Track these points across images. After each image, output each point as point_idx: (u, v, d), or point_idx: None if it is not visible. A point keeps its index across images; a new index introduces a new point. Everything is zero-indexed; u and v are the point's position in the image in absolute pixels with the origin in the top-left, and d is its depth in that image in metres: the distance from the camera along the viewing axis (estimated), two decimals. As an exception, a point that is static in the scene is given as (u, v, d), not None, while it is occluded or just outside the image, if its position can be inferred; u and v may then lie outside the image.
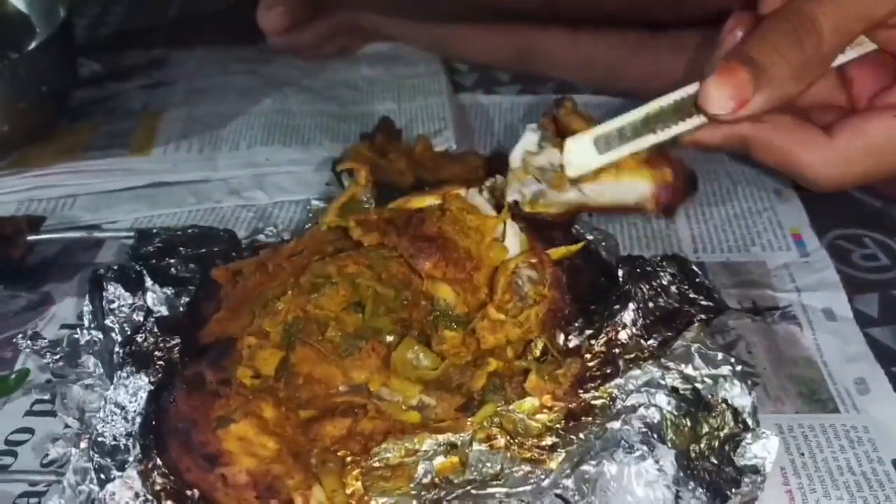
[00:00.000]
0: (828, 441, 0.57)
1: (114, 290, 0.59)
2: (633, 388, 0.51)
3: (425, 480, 0.48)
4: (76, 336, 0.60)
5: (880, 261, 0.73)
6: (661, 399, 0.51)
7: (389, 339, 0.53)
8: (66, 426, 0.58)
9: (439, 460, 0.48)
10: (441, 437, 0.48)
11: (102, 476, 0.50)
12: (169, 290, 0.60)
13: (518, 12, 0.93)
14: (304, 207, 0.82)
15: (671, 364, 0.52)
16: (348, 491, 0.47)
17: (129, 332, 0.57)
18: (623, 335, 0.54)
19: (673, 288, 0.57)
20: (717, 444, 0.49)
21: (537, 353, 0.52)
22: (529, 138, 0.58)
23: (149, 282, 0.60)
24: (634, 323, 0.54)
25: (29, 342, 0.61)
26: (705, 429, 0.50)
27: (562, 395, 0.50)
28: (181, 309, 0.60)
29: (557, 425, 0.50)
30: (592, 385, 0.51)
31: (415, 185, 0.67)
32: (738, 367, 0.52)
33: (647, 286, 0.56)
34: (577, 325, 0.54)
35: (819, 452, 0.57)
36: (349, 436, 0.49)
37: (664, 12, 0.87)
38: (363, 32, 1.08)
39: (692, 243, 0.76)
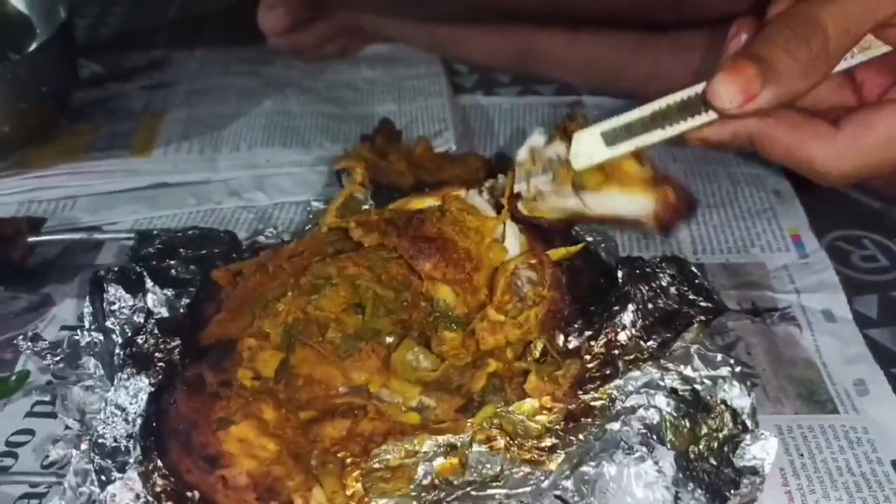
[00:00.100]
0: (827, 442, 0.57)
1: (114, 292, 0.59)
2: (632, 389, 0.51)
3: (425, 482, 0.48)
4: (77, 337, 0.60)
5: (879, 262, 0.73)
6: (661, 400, 0.51)
7: (389, 340, 0.53)
8: (67, 428, 0.58)
9: (439, 461, 0.48)
10: (441, 439, 0.48)
11: (103, 477, 0.50)
12: (169, 292, 0.60)
13: (518, 13, 0.93)
14: (304, 209, 0.82)
15: (670, 365, 0.52)
16: (348, 492, 0.47)
17: (129, 334, 0.57)
18: (622, 336, 0.54)
19: (672, 289, 0.58)
20: (716, 445, 0.49)
21: (537, 354, 0.52)
22: (537, 138, 0.58)
23: (149, 283, 0.60)
24: (634, 324, 0.54)
25: (29, 343, 0.61)
26: (704, 430, 0.50)
27: (561, 397, 0.50)
28: (181, 310, 0.60)
29: (557, 426, 0.50)
30: (592, 386, 0.51)
31: (415, 187, 0.67)
32: (738, 369, 0.52)
33: (647, 287, 0.56)
34: (576, 326, 0.54)
35: (818, 453, 0.57)
36: (349, 437, 0.49)
37: (664, 13, 0.87)
38: (363, 34, 1.09)
39: (692, 244, 0.76)
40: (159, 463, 0.49)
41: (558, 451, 0.49)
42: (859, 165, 0.52)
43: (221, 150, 0.92)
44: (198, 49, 1.13)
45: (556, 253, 0.57)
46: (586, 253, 0.60)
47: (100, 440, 0.51)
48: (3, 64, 0.90)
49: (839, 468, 0.55)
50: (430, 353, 0.53)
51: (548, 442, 0.49)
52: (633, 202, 0.55)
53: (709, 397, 0.51)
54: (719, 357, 0.52)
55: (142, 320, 0.58)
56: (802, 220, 0.78)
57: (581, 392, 0.51)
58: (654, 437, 0.49)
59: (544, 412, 0.50)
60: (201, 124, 0.96)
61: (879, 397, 0.60)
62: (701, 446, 0.50)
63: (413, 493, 0.47)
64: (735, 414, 0.50)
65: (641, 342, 0.54)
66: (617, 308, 0.54)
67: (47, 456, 0.56)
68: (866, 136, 0.52)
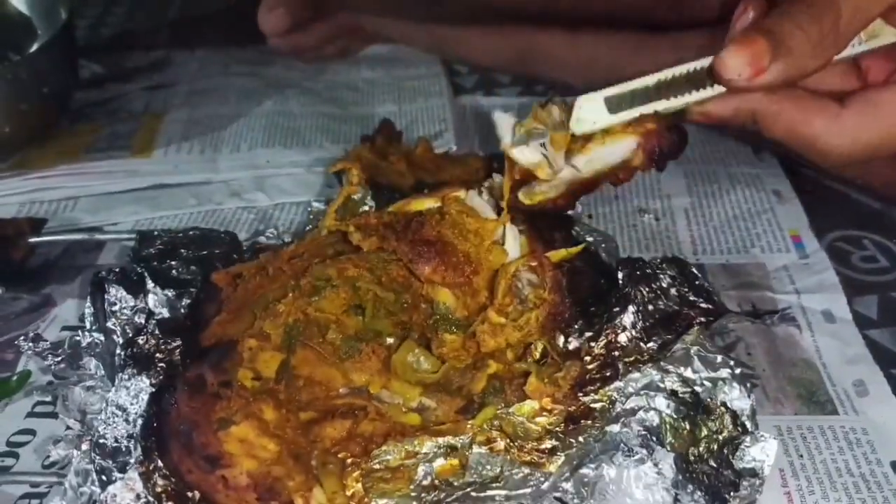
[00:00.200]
0: (826, 443, 0.57)
1: (115, 293, 0.59)
2: (632, 391, 0.51)
3: (425, 482, 0.48)
4: (77, 338, 0.60)
5: (879, 263, 0.73)
6: (661, 402, 0.51)
7: (390, 341, 0.53)
8: (68, 428, 0.58)
9: (439, 462, 0.48)
10: (441, 440, 0.48)
11: (104, 478, 0.50)
12: (170, 293, 0.61)
13: (518, 14, 0.93)
14: (304, 209, 0.82)
15: (670, 367, 0.52)
16: (348, 493, 0.47)
17: (130, 334, 0.57)
18: (623, 338, 0.54)
19: (673, 290, 0.58)
20: (715, 447, 0.49)
21: (537, 355, 0.52)
22: (505, 120, 0.58)
23: (150, 284, 0.60)
24: (634, 325, 0.54)
25: (30, 344, 0.61)
26: (704, 432, 0.50)
27: (561, 399, 0.51)
28: (182, 311, 0.60)
29: (557, 428, 0.50)
30: (592, 388, 0.51)
31: (415, 187, 0.67)
32: (738, 370, 0.52)
33: (647, 289, 0.57)
34: (576, 327, 0.55)
35: (818, 454, 0.57)
36: (349, 438, 0.49)
37: (664, 13, 0.87)
38: (364, 34, 1.09)
39: (692, 245, 0.76)
40: (160, 463, 0.49)
41: (558, 452, 0.49)
42: (862, 144, 0.52)
43: (222, 151, 0.92)
44: (198, 50, 1.13)
45: (557, 254, 0.57)
46: (587, 254, 0.61)
47: (101, 440, 0.51)
48: (3, 65, 0.90)
49: (839, 469, 0.55)
50: (430, 354, 0.53)
51: (548, 444, 0.49)
52: (619, 146, 0.55)
53: (709, 399, 0.51)
54: (719, 359, 0.52)
55: (143, 321, 0.58)
56: (802, 221, 0.78)
57: (581, 394, 0.51)
58: (654, 439, 0.49)
59: (544, 414, 0.50)
60: (202, 125, 0.96)
61: (879, 398, 0.60)
62: (701, 448, 0.50)
63: (413, 494, 0.47)
64: (735, 416, 0.50)
65: (642, 344, 0.54)
66: (617, 309, 0.55)
67: (48, 456, 0.56)
68: (872, 113, 0.52)
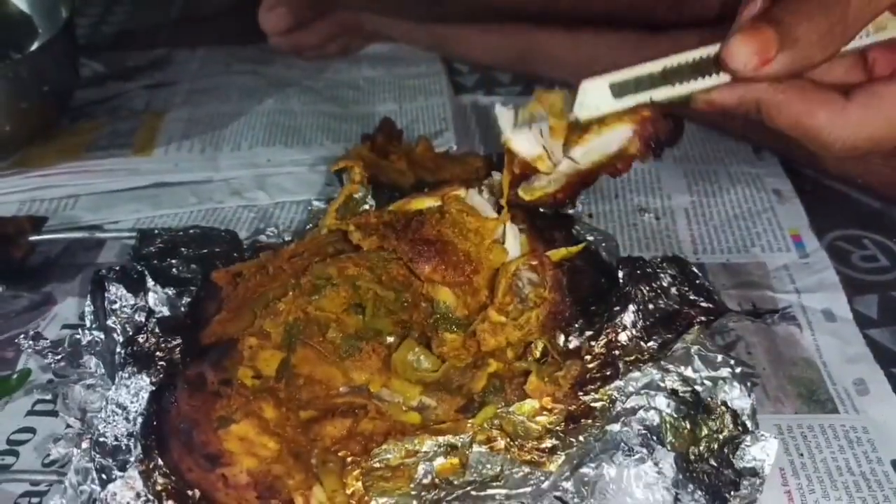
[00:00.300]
0: (827, 442, 0.57)
1: (115, 291, 0.59)
2: (632, 390, 0.51)
3: (425, 481, 0.48)
4: (78, 336, 0.60)
5: (880, 262, 0.73)
6: (661, 401, 0.51)
7: (390, 340, 0.53)
8: (68, 426, 0.58)
9: (439, 461, 0.48)
10: (441, 439, 0.48)
11: (104, 476, 0.50)
12: (170, 291, 0.60)
13: (518, 13, 0.93)
14: (305, 208, 0.82)
15: (671, 366, 0.52)
16: (348, 491, 0.47)
17: (130, 333, 0.57)
18: (623, 337, 0.54)
19: (673, 289, 0.58)
20: (716, 446, 0.49)
21: (537, 354, 0.52)
22: (505, 113, 0.58)
23: (150, 282, 0.60)
24: (634, 325, 0.54)
25: (31, 342, 0.61)
26: (704, 431, 0.50)
27: (561, 398, 0.50)
28: (183, 309, 0.60)
29: (557, 427, 0.50)
30: (592, 387, 0.51)
31: (415, 186, 0.67)
32: (738, 369, 0.52)
33: (648, 288, 0.57)
34: (577, 326, 0.55)
35: (818, 453, 0.57)
36: (349, 436, 0.49)
37: (665, 13, 0.87)
38: (364, 33, 1.09)
39: (692, 244, 0.76)
40: (160, 461, 0.49)
41: (558, 452, 0.49)
42: (866, 136, 0.52)
43: (223, 150, 0.92)
44: (199, 48, 1.13)
45: (557, 253, 0.57)
46: (587, 253, 0.61)
47: (101, 439, 0.51)
48: (4, 63, 0.90)
49: (839, 468, 0.55)
50: (430, 353, 0.53)
51: (548, 443, 0.49)
52: (615, 135, 0.55)
53: (709, 398, 0.51)
54: (720, 358, 0.52)
55: (143, 319, 0.58)
56: (803, 220, 0.78)
57: (581, 393, 0.51)
58: (655, 438, 0.49)
59: (545, 413, 0.50)
60: (202, 123, 0.96)
61: (879, 397, 0.60)
62: (701, 447, 0.50)
63: (413, 493, 0.47)
64: (735, 415, 0.50)
65: (642, 343, 0.54)
66: (618, 308, 0.54)
67: (48, 454, 0.56)
68: (877, 106, 0.51)
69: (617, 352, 0.53)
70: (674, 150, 0.87)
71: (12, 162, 0.89)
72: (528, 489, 0.48)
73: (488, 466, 0.48)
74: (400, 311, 0.54)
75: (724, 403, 0.51)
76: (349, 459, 0.48)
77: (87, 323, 0.61)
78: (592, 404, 0.51)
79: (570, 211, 0.70)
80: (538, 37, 0.96)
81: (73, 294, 0.74)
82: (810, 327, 0.66)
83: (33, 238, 0.78)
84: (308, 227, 0.71)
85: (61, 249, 0.79)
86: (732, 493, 0.48)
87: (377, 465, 0.48)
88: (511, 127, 0.57)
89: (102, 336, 0.59)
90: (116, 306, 0.59)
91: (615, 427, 0.50)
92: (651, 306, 0.56)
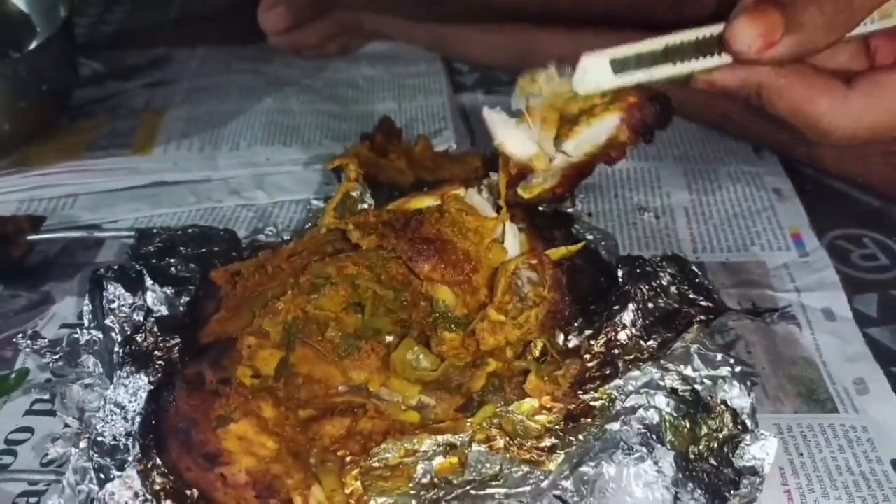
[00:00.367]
0: (826, 441, 0.57)
1: (114, 290, 0.59)
2: (632, 389, 0.51)
3: (424, 480, 0.48)
4: (76, 335, 0.60)
5: (879, 261, 0.73)
6: (661, 400, 0.51)
7: (389, 339, 0.53)
8: (66, 426, 0.58)
9: (438, 461, 0.48)
10: (440, 438, 0.48)
11: (102, 476, 0.50)
12: (169, 290, 0.60)
13: (518, 13, 0.93)
14: (304, 207, 0.82)
15: (670, 365, 0.52)
16: (347, 491, 0.47)
17: (128, 332, 0.57)
18: (622, 336, 0.54)
19: (672, 288, 0.57)
20: (715, 445, 0.49)
21: (537, 353, 0.52)
22: (496, 117, 0.57)
23: (149, 281, 0.60)
24: (634, 324, 0.54)
25: (29, 341, 0.61)
26: (704, 430, 0.50)
27: (561, 397, 0.50)
28: (181, 309, 0.60)
29: (556, 426, 0.50)
30: (592, 386, 0.51)
31: (414, 185, 0.67)
32: (738, 368, 0.52)
33: (647, 287, 0.56)
34: (576, 325, 0.54)
35: (818, 452, 0.57)
36: (348, 436, 0.49)
37: (664, 13, 0.87)
38: (364, 32, 1.09)
39: (692, 243, 0.76)
40: (158, 461, 0.49)
41: (558, 451, 0.49)
42: (866, 125, 0.52)
43: (221, 149, 0.92)
44: (198, 47, 1.13)
45: (557, 252, 0.57)
46: (586, 252, 0.60)
47: (99, 438, 0.51)
48: (3, 62, 0.90)
49: (839, 467, 0.55)
50: (429, 352, 0.53)
51: (547, 442, 0.49)
52: (604, 125, 0.55)
53: (709, 397, 0.51)
54: (719, 357, 0.52)
55: (141, 318, 0.58)
56: (802, 219, 0.78)
57: (581, 392, 0.51)
58: (654, 437, 0.49)
59: (544, 412, 0.50)
60: (202, 122, 0.96)
61: (879, 396, 0.60)
62: (701, 446, 0.49)
63: (412, 492, 0.47)
64: (735, 414, 0.50)
65: (641, 342, 0.54)
66: (617, 307, 0.54)
67: (46, 454, 0.55)
68: (878, 95, 0.51)
69: (616, 351, 0.53)
70: (673, 149, 0.88)
71: (11, 161, 0.89)
72: (528, 488, 0.48)
73: (487, 466, 0.48)
74: (399, 310, 0.54)
75: (724, 402, 0.51)
76: (348, 459, 0.48)
77: (86, 322, 0.60)
78: (592, 403, 0.51)
79: (570, 210, 0.70)
80: (538, 37, 0.96)
81: (71, 293, 0.74)
82: (810, 326, 0.66)
83: (32, 237, 0.78)
84: (307, 226, 0.71)
85: (60, 249, 0.79)
86: (732, 491, 0.48)
87: (376, 464, 0.48)
88: (503, 128, 0.57)
89: (101, 335, 0.59)
90: (115, 305, 0.59)
91: (615, 426, 0.50)
92: (650, 305, 0.56)
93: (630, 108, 0.54)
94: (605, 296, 0.56)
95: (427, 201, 0.59)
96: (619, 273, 0.56)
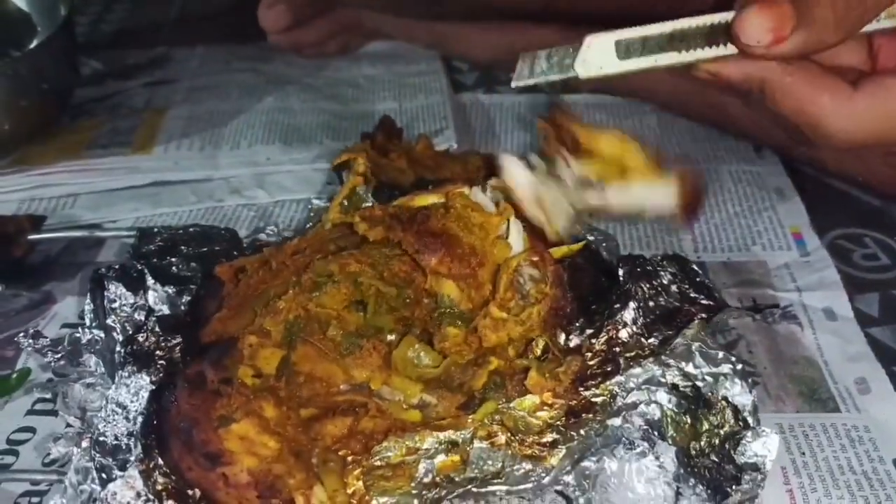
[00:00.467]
0: (828, 440, 0.57)
1: (115, 289, 0.59)
2: (633, 385, 0.51)
3: (426, 479, 0.48)
4: (77, 335, 0.60)
5: (881, 260, 0.73)
6: (662, 396, 0.51)
7: (391, 337, 0.53)
8: (68, 425, 0.58)
9: (440, 458, 0.48)
10: (442, 436, 0.48)
11: (104, 475, 0.50)
12: (170, 289, 0.60)
13: (518, 12, 0.93)
14: (305, 206, 0.82)
15: (671, 362, 0.52)
16: (349, 490, 0.47)
17: (130, 332, 0.57)
18: (623, 333, 0.54)
19: (673, 287, 0.57)
20: (717, 441, 0.49)
21: (538, 351, 0.52)
22: (514, 163, 0.57)
23: (150, 281, 0.60)
24: (635, 321, 0.54)
25: (30, 341, 0.61)
26: (706, 426, 0.50)
27: (562, 393, 0.50)
28: (182, 308, 0.60)
29: (558, 422, 0.50)
30: (593, 383, 0.51)
31: (416, 184, 0.67)
32: (739, 366, 0.52)
33: (648, 285, 0.56)
34: (577, 324, 0.54)
35: (820, 452, 0.57)
36: (350, 435, 0.49)
37: (665, 12, 0.87)
38: (364, 31, 1.09)
39: (692, 243, 0.76)
40: (160, 461, 0.49)
41: (559, 446, 0.49)
42: (868, 129, 0.51)
43: (222, 148, 0.92)
44: (199, 46, 1.13)
45: (558, 251, 0.57)
46: (587, 251, 0.60)
47: (101, 438, 0.51)
48: (3, 61, 0.90)
49: (840, 467, 0.55)
50: (431, 350, 0.52)
51: (549, 437, 0.49)
52: (655, 192, 0.54)
53: (710, 394, 0.51)
54: (720, 354, 0.52)
55: (143, 318, 0.58)
56: (804, 218, 0.78)
57: (582, 388, 0.51)
58: (656, 432, 0.49)
59: (545, 408, 0.50)
60: (202, 121, 0.96)
61: (881, 396, 0.60)
62: (702, 442, 0.50)
63: (414, 491, 0.47)
64: (736, 410, 0.50)
65: (642, 339, 0.54)
66: (618, 306, 0.54)
67: (48, 454, 0.56)
68: (885, 98, 0.50)
69: (617, 348, 0.53)
70: (674, 148, 0.88)
71: (12, 160, 0.89)
72: (530, 484, 0.48)
73: (489, 462, 0.48)
74: (402, 307, 0.54)
75: (725, 399, 0.51)
76: (350, 458, 0.48)
77: (87, 322, 0.60)
78: (593, 399, 0.51)
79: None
80: (538, 36, 0.96)
81: (72, 293, 0.74)
82: (811, 326, 0.66)
83: (33, 237, 0.78)
84: (308, 225, 0.71)
85: (61, 248, 0.79)
86: (734, 487, 0.48)
87: (378, 463, 0.48)
88: (521, 178, 0.56)
89: (102, 335, 0.59)
90: (116, 305, 0.59)
91: (616, 421, 0.50)
92: (651, 303, 0.56)
93: (686, 191, 0.53)
94: (606, 294, 0.56)
95: (431, 199, 0.59)
96: (620, 272, 0.56)
